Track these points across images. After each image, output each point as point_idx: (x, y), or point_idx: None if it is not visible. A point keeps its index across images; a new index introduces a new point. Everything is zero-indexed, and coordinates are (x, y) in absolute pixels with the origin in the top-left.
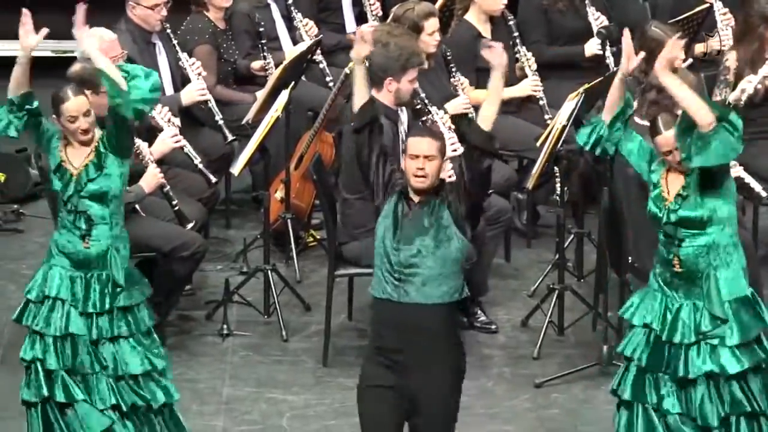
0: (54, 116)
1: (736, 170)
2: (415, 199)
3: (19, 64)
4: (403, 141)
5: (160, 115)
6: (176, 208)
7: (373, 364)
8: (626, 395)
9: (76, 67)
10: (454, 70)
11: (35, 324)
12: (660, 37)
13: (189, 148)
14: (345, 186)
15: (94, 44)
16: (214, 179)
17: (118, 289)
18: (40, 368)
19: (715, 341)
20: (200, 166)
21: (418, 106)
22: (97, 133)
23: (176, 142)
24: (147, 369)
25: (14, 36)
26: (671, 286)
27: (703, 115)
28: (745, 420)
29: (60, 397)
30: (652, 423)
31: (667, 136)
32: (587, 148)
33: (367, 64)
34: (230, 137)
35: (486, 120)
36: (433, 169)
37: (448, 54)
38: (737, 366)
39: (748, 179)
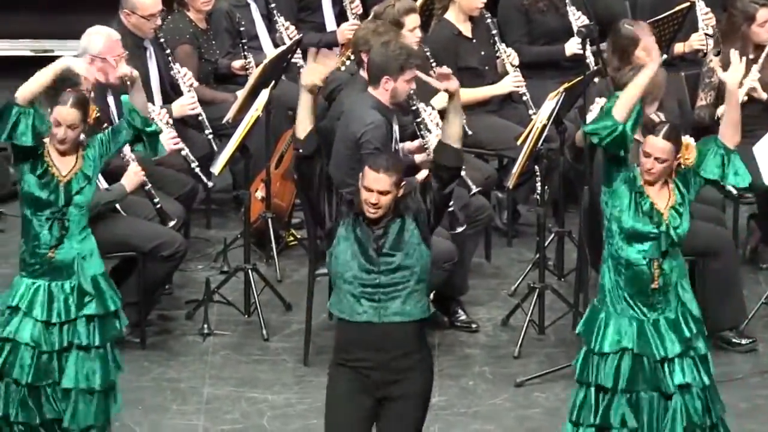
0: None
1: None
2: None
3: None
4: (397, 141)
5: (158, 117)
6: (158, 206)
7: (343, 377)
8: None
9: None
10: (434, 65)
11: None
12: (632, 35)
13: (187, 152)
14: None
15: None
16: (210, 184)
17: (86, 298)
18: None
19: (692, 352)
20: (197, 170)
21: (414, 107)
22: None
23: (175, 144)
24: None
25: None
26: (646, 304)
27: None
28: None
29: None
30: None
31: (659, 143)
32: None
33: (317, 91)
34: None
35: (453, 138)
36: (387, 203)
37: (426, 50)
38: (707, 378)
39: None
